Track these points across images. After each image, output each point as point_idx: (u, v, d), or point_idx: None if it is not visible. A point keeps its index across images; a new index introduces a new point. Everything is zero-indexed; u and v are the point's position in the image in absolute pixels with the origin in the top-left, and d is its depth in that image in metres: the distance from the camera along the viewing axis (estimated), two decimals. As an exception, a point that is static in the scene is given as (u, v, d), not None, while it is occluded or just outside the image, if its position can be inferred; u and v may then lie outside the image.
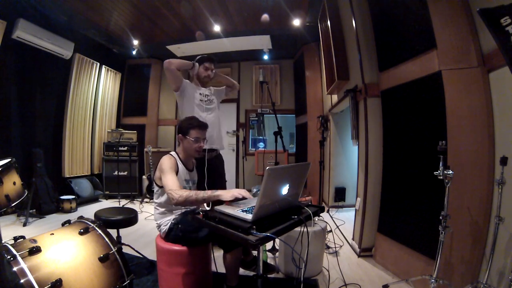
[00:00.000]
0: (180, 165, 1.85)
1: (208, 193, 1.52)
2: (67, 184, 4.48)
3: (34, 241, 1.31)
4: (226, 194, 1.46)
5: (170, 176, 1.66)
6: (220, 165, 2.51)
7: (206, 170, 2.16)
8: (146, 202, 4.88)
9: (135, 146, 5.35)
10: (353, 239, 2.90)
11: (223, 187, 2.49)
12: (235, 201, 1.45)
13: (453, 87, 1.82)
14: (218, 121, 2.49)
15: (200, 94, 2.42)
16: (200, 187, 2.10)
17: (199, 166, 2.14)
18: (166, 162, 1.74)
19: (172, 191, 1.56)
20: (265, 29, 4.66)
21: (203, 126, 1.87)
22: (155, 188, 1.84)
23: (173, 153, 1.89)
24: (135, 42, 5.16)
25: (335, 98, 4.02)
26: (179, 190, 1.56)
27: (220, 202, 1.51)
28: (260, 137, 6.27)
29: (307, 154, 5.08)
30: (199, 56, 2.49)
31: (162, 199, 1.81)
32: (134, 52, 5.41)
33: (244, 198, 1.46)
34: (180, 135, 1.86)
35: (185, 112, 2.37)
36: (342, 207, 4.35)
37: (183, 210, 1.86)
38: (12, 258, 1.17)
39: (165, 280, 1.76)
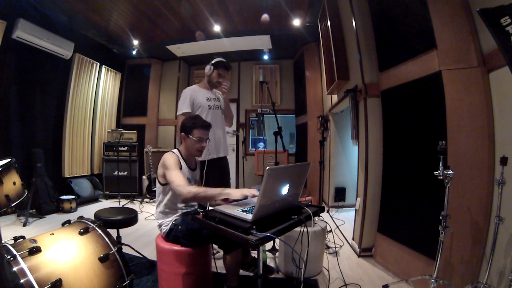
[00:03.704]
0: (183, 163, 1.84)
1: (218, 190, 1.51)
2: (67, 184, 4.48)
3: (34, 241, 1.31)
4: (235, 192, 1.46)
5: (176, 172, 1.66)
6: (227, 167, 2.53)
7: (213, 169, 2.19)
8: (146, 202, 4.88)
9: (135, 146, 5.35)
10: (353, 239, 2.90)
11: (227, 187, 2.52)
12: (242, 200, 1.46)
13: (453, 87, 1.82)
14: (223, 125, 2.50)
15: (208, 98, 2.39)
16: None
17: (203, 170, 2.15)
18: (169, 158, 1.73)
19: (180, 187, 1.56)
20: (265, 29, 4.65)
21: (206, 126, 1.85)
22: (157, 186, 1.83)
23: (175, 150, 1.88)
24: (135, 42, 5.15)
25: (335, 98, 4.02)
26: (187, 186, 1.57)
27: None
28: (260, 137, 6.27)
29: (307, 154, 5.07)
30: (217, 59, 2.38)
31: (165, 197, 1.80)
32: (134, 52, 5.41)
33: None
34: (182, 133, 1.84)
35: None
36: (342, 207, 4.35)
37: (184, 211, 1.85)
38: (12, 258, 1.17)
39: (165, 280, 1.76)
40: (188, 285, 1.70)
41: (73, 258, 1.32)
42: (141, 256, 2.45)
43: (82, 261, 1.34)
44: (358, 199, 2.80)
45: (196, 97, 2.35)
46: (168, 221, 1.79)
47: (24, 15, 3.73)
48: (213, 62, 2.37)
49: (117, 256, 1.46)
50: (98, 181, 5.08)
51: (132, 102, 6.05)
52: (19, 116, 3.89)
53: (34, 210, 3.81)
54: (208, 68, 2.37)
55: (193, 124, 1.82)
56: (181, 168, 1.77)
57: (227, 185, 2.49)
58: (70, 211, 4.07)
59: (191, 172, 1.91)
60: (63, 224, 1.58)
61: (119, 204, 4.60)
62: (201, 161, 2.15)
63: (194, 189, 1.54)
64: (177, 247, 1.71)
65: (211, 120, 2.30)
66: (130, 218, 2.19)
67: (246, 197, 1.46)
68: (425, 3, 1.91)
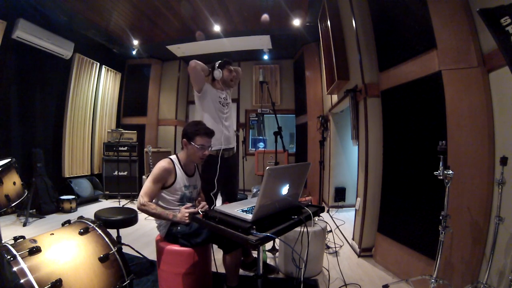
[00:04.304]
0: (179, 171, 1.80)
1: (166, 212, 1.71)
2: (67, 184, 4.48)
3: (34, 241, 1.31)
4: (179, 214, 1.70)
5: (150, 184, 1.71)
6: (236, 164, 2.57)
7: (224, 167, 2.23)
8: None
9: (135, 146, 5.35)
10: (353, 239, 2.90)
11: (235, 185, 2.57)
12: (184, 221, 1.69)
13: (453, 87, 1.82)
14: (233, 121, 2.54)
15: (220, 98, 2.41)
16: (210, 184, 2.13)
17: (214, 163, 2.18)
18: (157, 168, 1.72)
19: (140, 196, 1.69)
20: (265, 29, 4.66)
21: (210, 134, 1.82)
22: None
23: (173, 157, 1.84)
24: (135, 42, 5.16)
25: (335, 98, 4.02)
26: (145, 199, 1.68)
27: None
28: (260, 137, 6.27)
29: (307, 154, 5.08)
30: (219, 62, 2.43)
31: (161, 199, 1.79)
32: (134, 52, 5.41)
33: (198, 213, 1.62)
34: (184, 140, 1.80)
35: (205, 114, 2.35)
36: (342, 207, 4.35)
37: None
38: (12, 258, 1.17)
39: (165, 280, 1.76)
40: (188, 285, 1.70)
41: (73, 258, 1.32)
42: (141, 256, 2.45)
43: (82, 261, 1.34)
44: (358, 199, 2.80)
45: (208, 88, 2.37)
46: (167, 222, 1.78)
47: (24, 15, 3.73)
48: (217, 66, 2.40)
49: (117, 256, 1.46)
50: (98, 181, 5.08)
51: (132, 102, 6.06)
52: (19, 116, 3.89)
53: (34, 210, 3.81)
54: (218, 73, 2.38)
55: (195, 131, 1.78)
56: (175, 179, 1.77)
57: (235, 181, 2.55)
58: (70, 211, 4.07)
59: (189, 178, 1.87)
60: (63, 224, 1.58)
61: (119, 204, 4.60)
62: (216, 150, 2.21)
63: (152, 206, 1.68)
64: (177, 247, 1.72)
65: (226, 123, 2.39)
66: (130, 218, 2.19)
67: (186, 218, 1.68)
68: (425, 3, 1.91)
